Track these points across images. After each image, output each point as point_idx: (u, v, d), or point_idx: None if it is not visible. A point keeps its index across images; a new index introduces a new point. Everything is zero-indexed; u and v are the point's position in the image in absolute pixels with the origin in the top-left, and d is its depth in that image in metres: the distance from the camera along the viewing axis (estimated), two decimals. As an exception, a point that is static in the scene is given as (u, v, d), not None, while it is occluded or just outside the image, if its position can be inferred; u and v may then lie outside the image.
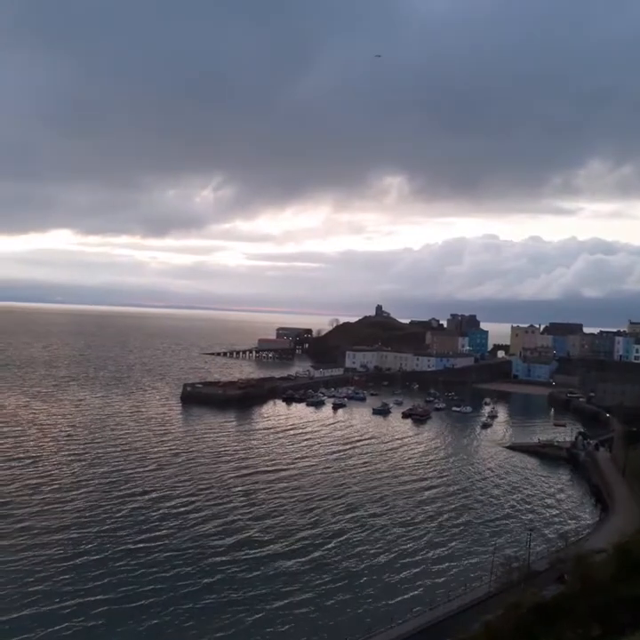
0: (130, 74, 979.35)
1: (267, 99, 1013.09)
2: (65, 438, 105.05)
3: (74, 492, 75.56)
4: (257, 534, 65.40)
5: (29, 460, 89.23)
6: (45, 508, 69.38)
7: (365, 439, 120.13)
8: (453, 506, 79.73)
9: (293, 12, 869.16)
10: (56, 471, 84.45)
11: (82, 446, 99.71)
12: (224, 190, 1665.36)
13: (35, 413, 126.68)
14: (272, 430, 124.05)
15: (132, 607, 48.14)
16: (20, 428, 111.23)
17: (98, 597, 49.31)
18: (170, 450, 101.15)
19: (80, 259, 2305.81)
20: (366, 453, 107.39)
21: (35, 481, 79.21)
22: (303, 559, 59.56)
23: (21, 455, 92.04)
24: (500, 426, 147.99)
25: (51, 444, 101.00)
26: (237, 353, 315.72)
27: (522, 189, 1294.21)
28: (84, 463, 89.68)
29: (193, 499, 76.12)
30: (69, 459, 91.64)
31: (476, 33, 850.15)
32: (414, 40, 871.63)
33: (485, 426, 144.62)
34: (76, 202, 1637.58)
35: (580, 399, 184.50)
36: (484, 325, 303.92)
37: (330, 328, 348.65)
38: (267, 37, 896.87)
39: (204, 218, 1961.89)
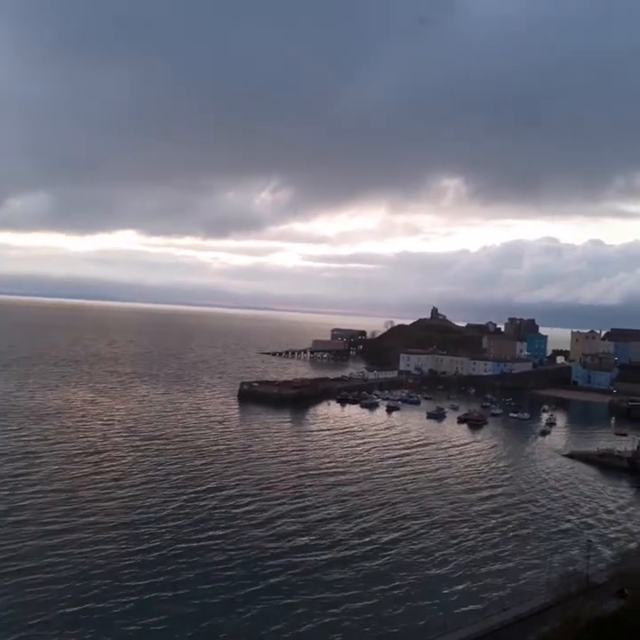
0: (193, 82, 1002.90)
1: (324, 102, 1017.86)
2: (128, 434, 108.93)
3: (136, 488, 78.27)
4: (313, 539, 66.16)
5: (94, 455, 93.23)
6: (108, 502, 71.84)
7: (420, 444, 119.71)
8: (510, 515, 78.73)
9: (350, 15, 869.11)
10: (119, 467, 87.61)
11: (144, 442, 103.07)
12: (282, 192, 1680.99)
13: (100, 408, 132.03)
14: (327, 431, 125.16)
15: (190, 606, 49.14)
16: (85, 423, 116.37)
17: (156, 595, 50.50)
18: (229, 448, 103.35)
19: (144, 259, 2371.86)
20: (421, 459, 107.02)
21: (99, 476, 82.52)
22: (358, 566, 59.90)
23: (87, 449, 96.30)
24: (558, 433, 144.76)
25: (115, 438, 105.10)
26: (293, 353, 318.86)
27: (583, 191, 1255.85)
28: (146, 459, 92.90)
29: (252, 499, 77.47)
30: (132, 454, 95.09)
31: (540, 33, 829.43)
32: (474, 40, 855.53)
33: (543, 433, 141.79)
34: (141, 204, 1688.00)
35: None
36: (542, 330, 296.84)
37: (384, 330, 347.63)
38: (325, 42, 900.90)
39: (262, 219, 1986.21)
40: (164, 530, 64.63)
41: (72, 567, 54.21)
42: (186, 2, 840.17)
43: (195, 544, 61.45)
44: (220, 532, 65.29)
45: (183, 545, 60.99)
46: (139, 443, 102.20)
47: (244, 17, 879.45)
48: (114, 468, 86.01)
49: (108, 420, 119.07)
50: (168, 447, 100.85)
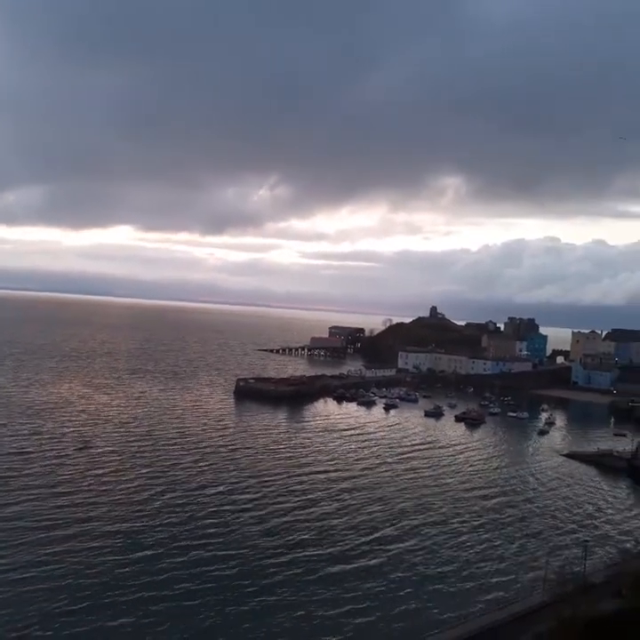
0: (191, 78, 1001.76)
1: (324, 100, 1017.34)
2: (124, 430, 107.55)
3: (131, 486, 76.86)
4: (313, 536, 65.27)
5: (88, 451, 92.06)
6: (102, 500, 70.41)
7: (417, 442, 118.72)
8: (507, 514, 77.81)
9: (353, 17, 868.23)
10: (114, 463, 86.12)
11: (140, 439, 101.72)
12: (280, 189, 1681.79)
13: (96, 404, 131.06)
14: (324, 429, 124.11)
15: (188, 605, 48.08)
16: (82, 419, 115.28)
17: (154, 593, 49.30)
18: (224, 446, 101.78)
19: (140, 254, 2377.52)
20: (418, 458, 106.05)
21: (94, 473, 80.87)
22: (356, 564, 59.02)
23: (81, 445, 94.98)
24: (557, 433, 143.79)
25: (110, 434, 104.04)
26: (291, 350, 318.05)
27: (585, 191, 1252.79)
28: (141, 456, 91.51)
29: (249, 497, 76.38)
30: (127, 451, 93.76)
31: (542, 34, 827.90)
32: (476, 41, 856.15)
33: (542, 432, 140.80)
34: (138, 199, 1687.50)
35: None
36: (543, 330, 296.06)
37: (383, 328, 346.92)
38: (325, 42, 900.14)
39: (260, 216, 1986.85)
40: (159, 528, 63.35)
41: (66, 566, 52.87)
42: (188, 4, 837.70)
43: (191, 542, 60.06)
44: (217, 530, 63.86)
45: (181, 543, 59.62)
46: (134, 440, 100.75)
47: (243, 15, 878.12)
48: (108, 465, 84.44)
49: (104, 417, 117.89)
50: (163, 444, 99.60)
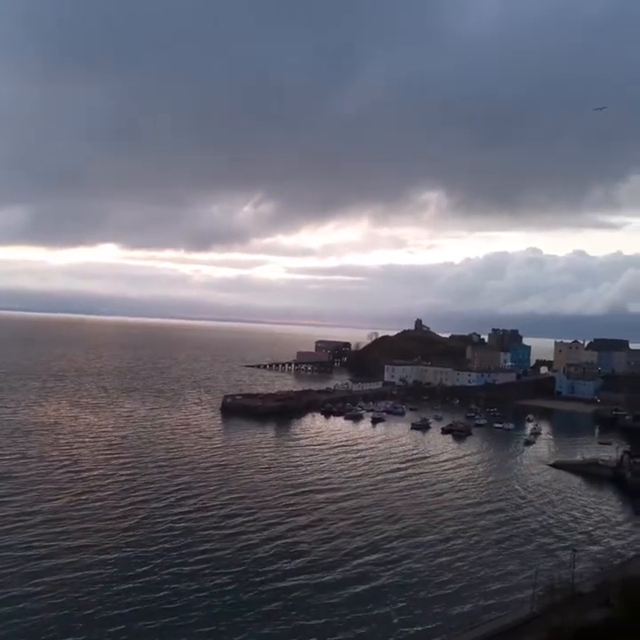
0: (173, 93, 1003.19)
1: (306, 115, 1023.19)
2: (112, 452, 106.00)
3: (121, 509, 75.85)
4: (300, 547, 65.74)
5: (78, 469, 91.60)
6: (93, 526, 68.66)
7: (404, 455, 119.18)
8: (495, 525, 78.40)
9: (332, 29, 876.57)
10: (102, 485, 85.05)
11: (129, 459, 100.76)
12: (265, 205, 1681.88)
13: (84, 424, 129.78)
14: (311, 445, 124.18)
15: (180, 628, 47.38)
16: (70, 440, 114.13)
17: (146, 622, 48.27)
18: (212, 464, 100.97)
19: (126, 272, 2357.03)
20: (405, 471, 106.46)
21: (82, 495, 79.72)
22: (343, 573, 59.55)
23: (69, 466, 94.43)
24: (542, 443, 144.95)
25: (98, 455, 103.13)
26: (277, 365, 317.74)
27: (562, 203, 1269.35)
28: (129, 477, 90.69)
29: (236, 516, 76.20)
30: (116, 471, 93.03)
31: (519, 50, 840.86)
32: (453, 55, 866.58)
33: (528, 443, 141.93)
34: (123, 217, 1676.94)
35: (626, 417, 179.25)
36: (526, 341, 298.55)
37: (369, 342, 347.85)
38: (305, 54, 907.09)
39: (246, 232, 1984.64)
40: (150, 550, 62.64)
41: (56, 593, 51.82)
42: (162, 18, 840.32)
43: (184, 569, 58.94)
44: (212, 555, 62.51)
45: (173, 569, 58.31)
46: (123, 460, 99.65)
47: (223, 31, 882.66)
48: (97, 490, 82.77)
49: (93, 437, 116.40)
50: (150, 464, 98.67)
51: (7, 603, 49.83)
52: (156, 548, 63.36)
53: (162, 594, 53.15)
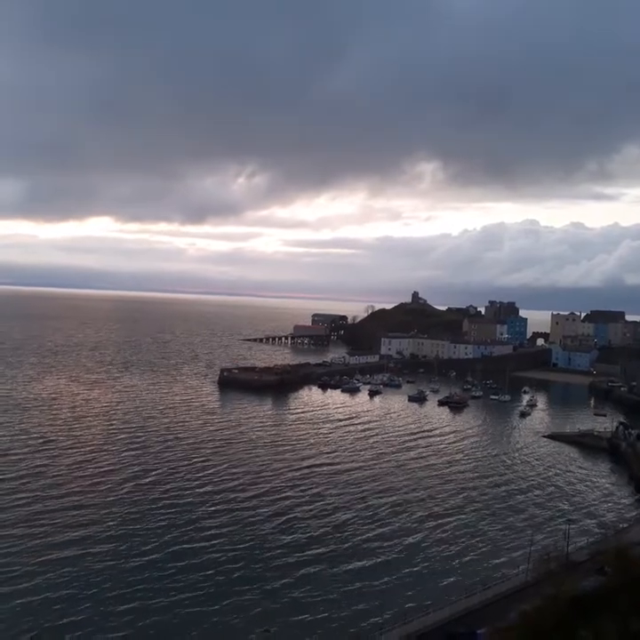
0: (168, 68, 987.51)
1: (301, 88, 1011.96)
2: (111, 426, 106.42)
3: (123, 486, 75.85)
4: (296, 515, 66.30)
5: (80, 449, 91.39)
6: (96, 501, 68.48)
7: (401, 427, 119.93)
8: (490, 495, 79.18)
9: (327, 5, 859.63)
10: (105, 463, 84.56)
11: (128, 435, 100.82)
12: (259, 177, 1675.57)
13: (83, 399, 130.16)
14: (309, 418, 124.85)
15: (190, 612, 46.88)
16: (71, 415, 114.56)
17: (154, 596, 48.35)
18: (214, 439, 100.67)
19: (120, 245, 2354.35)
20: (403, 442, 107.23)
21: (85, 472, 79.85)
22: (337, 543, 60.23)
23: (70, 439, 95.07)
24: (538, 415, 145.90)
25: (99, 431, 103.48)
26: (274, 339, 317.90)
27: (556, 175, 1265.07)
28: (130, 453, 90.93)
29: (247, 493, 76.66)
30: (116, 447, 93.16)
31: (515, 24, 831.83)
32: (446, 31, 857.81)
33: (524, 414, 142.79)
34: (116, 190, 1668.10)
35: (622, 388, 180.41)
36: (523, 313, 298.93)
37: (365, 315, 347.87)
38: (301, 30, 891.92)
39: (240, 205, 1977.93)
40: (153, 527, 62.87)
41: (62, 571, 51.66)
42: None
43: (187, 546, 58.76)
44: (215, 525, 63.01)
45: (179, 547, 57.63)
46: (122, 436, 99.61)
47: (220, 3, 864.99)
48: (99, 464, 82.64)
49: (93, 412, 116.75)
50: (150, 440, 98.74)
51: (13, 581, 49.57)
52: (160, 524, 63.12)
53: (168, 572, 52.65)
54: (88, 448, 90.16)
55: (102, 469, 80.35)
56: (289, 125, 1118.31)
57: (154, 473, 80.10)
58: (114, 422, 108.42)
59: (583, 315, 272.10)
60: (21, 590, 48.32)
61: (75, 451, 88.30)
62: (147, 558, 55.06)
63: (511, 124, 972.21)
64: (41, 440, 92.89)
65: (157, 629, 44.47)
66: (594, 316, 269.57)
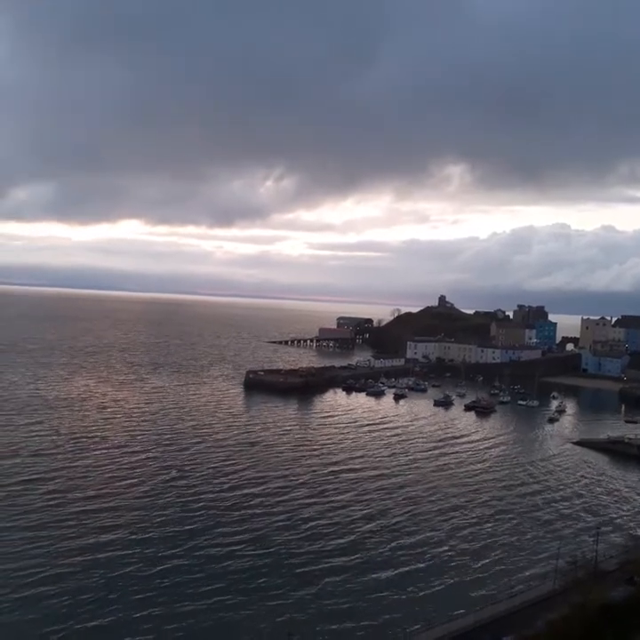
0: (197, 71, 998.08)
1: (329, 92, 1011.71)
2: (140, 428, 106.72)
3: (151, 485, 76.58)
4: (322, 522, 66.28)
5: (107, 446, 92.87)
6: (125, 503, 68.48)
7: (427, 432, 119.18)
8: (519, 503, 78.17)
9: (356, 8, 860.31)
10: (131, 461, 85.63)
11: (156, 436, 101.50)
12: (286, 180, 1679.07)
13: (116, 400, 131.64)
14: (334, 421, 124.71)
15: (216, 618, 46.80)
16: (100, 415, 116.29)
17: (185, 607, 47.73)
18: (241, 441, 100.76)
19: (148, 248, 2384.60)
20: (429, 447, 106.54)
21: (115, 473, 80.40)
22: (369, 551, 60.09)
23: (99, 441, 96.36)
24: (567, 421, 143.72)
25: (129, 432, 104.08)
26: (299, 342, 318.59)
27: (587, 178, 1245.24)
28: (156, 454, 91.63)
29: (263, 490, 77.11)
30: (142, 448, 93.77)
31: (545, 25, 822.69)
32: (474, 34, 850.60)
33: (552, 420, 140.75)
34: (146, 193, 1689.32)
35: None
36: (552, 317, 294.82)
37: (391, 318, 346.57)
38: (330, 33, 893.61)
39: (267, 208, 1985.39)
40: (182, 529, 63.04)
41: (91, 572, 51.80)
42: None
43: (215, 551, 59.03)
44: (246, 536, 61.79)
45: (207, 551, 57.55)
46: (151, 436, 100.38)
47: (245, 5, 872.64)
48: (127, 466, 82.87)
49: (123, 413, 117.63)
50: (179, 441, 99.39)
51: (41, 582, 49.81)
52: (186, 528, 62.88)
53: (195, 576, 52.57)
54: (116, 449, 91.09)
55: (128, 471, 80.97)
56: (317, 128, 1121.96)
57: (179, 476, 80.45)
58: (142, 424, 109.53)
59: (614, 319, 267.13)
60: (50, 593, 48.57)
61: (103, 452, 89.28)
62: (172, 563, 55.13)
63: (540, 127, 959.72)
64: (70, 440, 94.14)
65: (183, 634, 44.51)
66: (625, 321, 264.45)
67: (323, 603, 49.85)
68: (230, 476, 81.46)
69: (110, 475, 78.85)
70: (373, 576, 54.69)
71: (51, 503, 67.10)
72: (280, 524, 65.49)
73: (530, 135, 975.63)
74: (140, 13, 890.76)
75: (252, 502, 71.60)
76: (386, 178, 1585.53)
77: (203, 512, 67.56)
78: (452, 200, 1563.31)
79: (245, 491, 75.67)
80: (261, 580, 52.76)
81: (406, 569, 56.43)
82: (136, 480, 77.27)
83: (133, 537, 59.80)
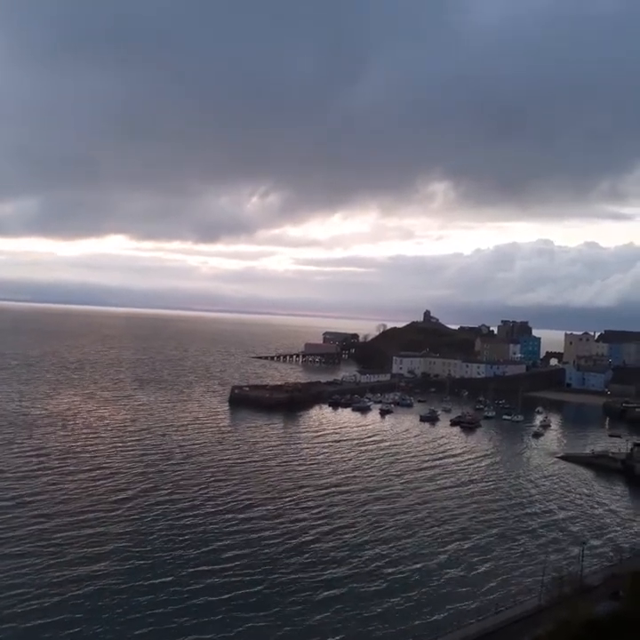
0: (185, 87, 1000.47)
1: (314, 108, 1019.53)
2: (125, 445, 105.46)
3: (137, 506, 75.50)
4: (309, 537, 65.90)
5: (91, 461, 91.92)
6: (108, 524, 67.12)
7: (413, 447, 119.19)
8: (504, 518, 78.22)
9: (342, 24, 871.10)
10: (117, 483, 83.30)
11: (141, 453, 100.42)
12: (272, 196, 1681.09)
13: (97, 417, 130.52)
14: (319, 436, 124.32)
15: (206, 637, 45.86)
16: (83, 432, 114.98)
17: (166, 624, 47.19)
18: (226, 459, 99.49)
19: (134, 263, 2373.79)
20: (414, 462, 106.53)
21: (97, 492, 79.01)
22: (352, 566, 59.68)
23: (83, 455, 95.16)
24: (552, 435, 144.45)
25: (113, 450, 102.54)
26: (285, 357, 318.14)
27: (569, 194, 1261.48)
28: (142, 471, 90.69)
29: (253, 512, 76.48)
30: (127, 465, 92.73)
31: (527, 42, 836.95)
32: (459, 51, 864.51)
33: (537, 435, 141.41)
34: (131, 208, 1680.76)
35: (637, 409, 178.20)
36: (536, 332, 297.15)
37: (377, 333, 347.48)
38: (316, 47, 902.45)
39: (253, 224, 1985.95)
40: (166, 550, 62.22)
41: (78, 593, 50.78)
42: (175, 7, 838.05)
43: (205, 568, 58.33)
44: (233, 553, 61.29)
45: (191, 570, 56.54)
46: (135, 453, 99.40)
47: (234, 21, 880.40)
48: (110, 485, 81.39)
49: (106, 430, 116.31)
50: (161, 458, 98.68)
51: (25, 602, 48.81)
52: (172, 545, 62.05)
53: (184, 595, 51.55)
54: (100, 467, 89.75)
55: (113, 488, 79.91)
56: (303, 145, 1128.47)
57: (165, 493, 79.52)
58: (127, 441, 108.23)
59: (597, 334, 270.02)
60: (34, 612, 47.61)
61: (86, 469, 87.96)
62: (159, 580, 54.28)
63: (524, 144, 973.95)
64: (53, 457, 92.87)
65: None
66: (608, 336, 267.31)
67: (313, 619, 49.10)
68: (215, 494, 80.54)
69: (92, 492, 77.62)
70: (360, 591, 54.31)
71: (32, 522, 65.62)
72: (266, 541, 64.62)
73: (514, 151, 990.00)
74: (128, 29, 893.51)
75: (237, 520, 70.73)
76: (372, 194, 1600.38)
77: (187, 529, 66.50)
78: (436, 216, 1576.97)
79: (230, 507, 74.94)
80: (251, 599, 51.70)
81: (390, 585, 56.12)
82: (118, 497, 76.17)
83: (117, 555, 58.71)
